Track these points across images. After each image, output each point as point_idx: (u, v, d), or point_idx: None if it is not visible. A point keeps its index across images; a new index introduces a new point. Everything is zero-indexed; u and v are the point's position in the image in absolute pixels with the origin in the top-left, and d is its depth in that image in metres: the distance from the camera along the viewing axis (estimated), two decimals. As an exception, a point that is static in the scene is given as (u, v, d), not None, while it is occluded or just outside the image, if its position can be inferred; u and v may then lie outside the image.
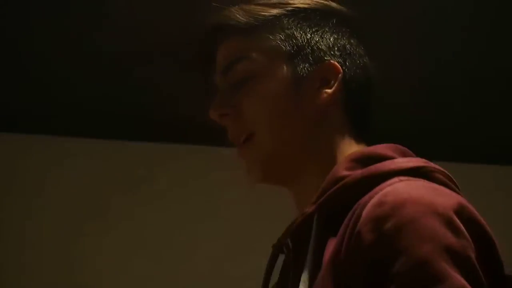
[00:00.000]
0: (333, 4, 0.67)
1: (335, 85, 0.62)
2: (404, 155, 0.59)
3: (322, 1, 0.66)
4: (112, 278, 2.15)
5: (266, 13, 0.64)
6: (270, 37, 0.63)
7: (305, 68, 0.62)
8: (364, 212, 0.49)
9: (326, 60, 0.62)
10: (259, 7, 0.65)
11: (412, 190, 0.50)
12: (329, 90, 0.61)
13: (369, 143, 0.63)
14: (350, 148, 0.62)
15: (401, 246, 0.45)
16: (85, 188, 2.22)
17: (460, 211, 0.48)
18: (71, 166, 2.26)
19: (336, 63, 0.62)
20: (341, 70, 0.62)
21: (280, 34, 0.63)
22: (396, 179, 0.52)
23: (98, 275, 2.13)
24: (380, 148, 0.59)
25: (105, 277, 2.14)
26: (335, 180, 0.56)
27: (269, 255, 0.63)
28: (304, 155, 0.63)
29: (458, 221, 0.47)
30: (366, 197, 0.51)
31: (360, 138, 0.64)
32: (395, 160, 0.56)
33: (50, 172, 2.24)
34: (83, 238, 2.15)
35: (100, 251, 2.15)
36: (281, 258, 0.62)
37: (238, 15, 0.63)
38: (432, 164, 0.57)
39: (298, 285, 0.53)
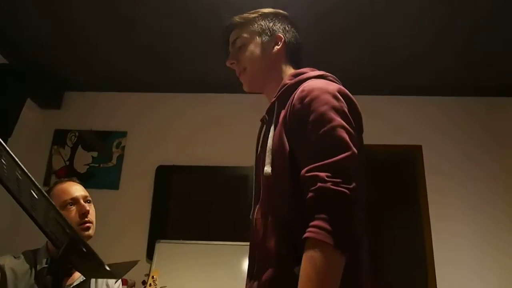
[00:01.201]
0: (280, 11, 1.41)
1: (281, 44, 1.35)
2: (313, 71, 1.27)
3: (274, 9, 1.41)
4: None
5: (249, 16, 1.39)
6: (251, 27, 1.38)
7: (266, 38, 1.36)
8: (296, 94, 1.14)
9: (277, 33, 1.36)
10: (245, 14, 1.39)
11: (316, 83, 1.15)
12: (278, 47, 1.35)
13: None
14: (290, 72, 1.30)
15: (313, 108, 1.08)
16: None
17: (339, 91, 1.13)
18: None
19: (281, 34, 1.36)
20: (283, 37, 1.36)
21: (255, 24, 1.38)
22: (309, 80, 1.19)
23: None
24: (304, 69, 1.28)
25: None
26: (283, 84, 1.26)
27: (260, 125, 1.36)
28: (268, 77, 1.34)
29: (338, 95, 1.11)
30: (296, 90, 1.17)
31: (297, 68, 1.32)
32: (309, 73, 1.25)
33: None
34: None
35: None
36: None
37: (236, 19, 1.40)
38: (327, 73, 1.25)
39: (269, 134, 1.19)
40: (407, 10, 2.89)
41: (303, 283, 0.92)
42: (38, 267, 1.64)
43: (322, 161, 0.99)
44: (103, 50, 3.45)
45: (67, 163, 3.80)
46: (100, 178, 3.75)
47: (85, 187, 1.87)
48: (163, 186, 3.73)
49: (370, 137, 3.40)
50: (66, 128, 3.92)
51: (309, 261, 0.92)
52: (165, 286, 2.95)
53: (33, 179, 0.85)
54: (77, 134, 3.90)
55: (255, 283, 1.11)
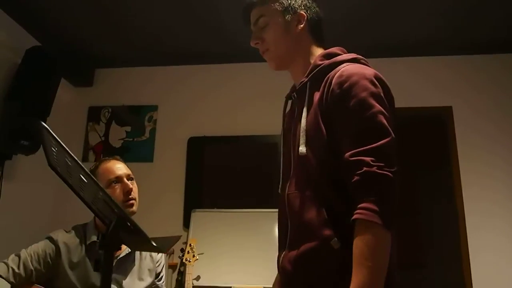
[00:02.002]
0: None
1: (304, 22, 1.36)
2: (345, 52, 1.32)
3: None
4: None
5: None
6: (272, 4, 1.37)
7: (289, 17, 1.35)
8: (334, 79, 1.17)
9: (298, 11, 1.36)
10: None
11: (353, 68, 1.18)
12: (301, 25, 1.35)
13: (324, 47, 1.38)
14: (316, 50, 1.37)
15: (353, 93, 1.13)
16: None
17: (376, 76, 1.18)
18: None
19: (303, 12, 1.36)
20: (305, 15, 1.36)
21: (276, 2, 1.37)
22: (345, 64, 1.23)
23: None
24: (334, 49, 1.33)
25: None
26: (316, 66, 1.29)
27: (284, 101, 1.45)
28: (293, 55, 1.36)
29: (375, 80, 1.15)
30: (332, 73, 1.21)
31: (320, 45, 1.39)
32: (343, 55, 1.29)
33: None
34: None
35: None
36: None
37: None
38: (360, 56, 1.28)
39: (302, 114, 1.24)
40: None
41: (359, 260, 1.01)
42: (88, 241, 1.77)
43: (366, 146, 1.06)
44: (129, 24, 3.48)
45: (103, 138, 3.95)
46: (134, 152, 3.89)
47: (121, 159, 1.96)
48: (196, 157, 3.84)
49: (401, 100, 3.44)
50: (99, 105, 4.05)
51: (361, 240, 1.01)
52: (203, 253, 3.10)
53: (81, 164, 0.93)
54: (110, 110, 4.03)
55: (292, 252, 1.18)
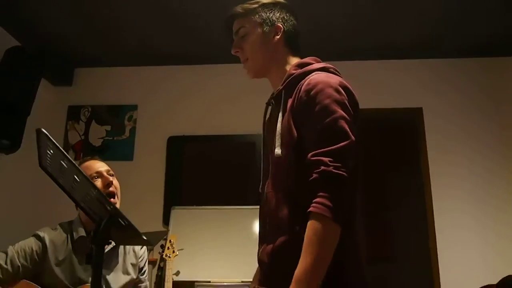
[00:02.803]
0: (279, 0, 1.52)
1: (280, 34, 1.47)
2: (317, 62, 1.43)
3: None
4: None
5: (250, 7, 1.50)
6: (252, 17, 1.48)
7: (267, 28, 1.47)
8: (303, 87, 1.31)
9: (276, 24, 1.47)
10: (246, 4, 1.50)
11: (320, 77, 1.31)
12: (277, 37, 1.47)
13: (300, 57, 1.48)
14: (291, 59, 1.48)
15: (318, 100, 1.25)
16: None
17: (340, 84, 1.29)
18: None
19: (280, 24, 1.47)
20: (282, 27, 1.47)
21: (256, 15, 1.48)
22: (314, 73, 1.35)
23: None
24: (307, 59, 1.44)
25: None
26: (290, 75, 1.40)
27: (264, 106, 1.54)
28: (270, 64, 1.48)
29: (339, 87, 1.28)
30: (303, 81, 1.33)
31: (296, 55, 1.49)
32: (314, 65, 1.40)
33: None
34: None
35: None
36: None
37: (238, 9, 1.51)
38: (329, 65, 1.40)
39: (278, 119, 1.36)
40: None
41: (306, 246, 1.14)
42: (75, 236, 1.84)
43: (325, 147, 1.18)
44: (112, 24, 3.54)
45: (83, 137, 3.99)
46: (114, 151, 3.95)
47: (101, 159, 2.04)
48: (175, 156, 3.92)
49: (373, 101, 3.60)
50: (79, 104, 4.09)
51: (311, 229, 1.14)
52: (182, 249, 3.19)
53: (79, 167, 1.02)
54: (90, 109, 4.07)
55: (269, 246, 1.30)
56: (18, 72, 3.18)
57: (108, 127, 4.02)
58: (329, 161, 1.15)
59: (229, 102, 4.02)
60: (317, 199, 1.14)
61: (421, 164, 3.79)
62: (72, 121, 4.05)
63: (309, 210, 1.15)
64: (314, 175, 1.16)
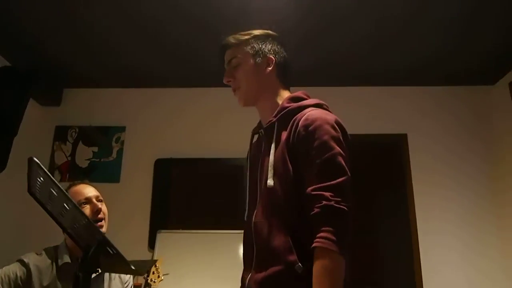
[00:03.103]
0: (270, 32, 1.58)
1: (272, 66, 1.52)
2: (308, 96, 1.50)
3: (265, 31, 1.57)
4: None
5: (242, 38, 1.54)
6: (244, 48, 1.53)
7: (259, 60, 1.51)
8: (300, 122, 1.35)
9: (268, 55, 1.52)
10: (238, 35, 1.55)
11: (317, 113, 1.36)
12: (269, 68, 1.51)
13: (289, 89, 1.56)
14: (282, 92, 1.53)
15: (316, 136, 1.30)
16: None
17: (336, 122, 1.35)
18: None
19: (272, 56, 1.52)
20: (274, 59, 1.52)
21: (248, 46, 1.53)
22: (310, 108, 1.40)
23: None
24: (299, 93, 1.50)
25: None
26: (284, 108, 1.44)
27: (250, 135, 1.62)
28: (261, 94, 1.51)
29: (335, 125, 1.33)
30: (298, 115, 1.38)
31: (286, 87, 1.55)
32: (307, 100, 1.47)
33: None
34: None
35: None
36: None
37: (231, 40, 1.55)
38: (322, 101, 1.46)
39: (269, 151, 1.39)
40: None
41: (318, 280, 1.17)
42: (60, 262, 1.82)
43: (326, 182, 1.22)
44: (101, 47, 3.56)
45: (69, 158, 3.97)
46: (101, 172, 3.92)
47: (87, 180, 2.05)
48: (162, 178, 3.91)
49: (357, 127, 3.66)
50: (66, 125, 4.08)
51: (320, 265, 1.17)
52: (168, 274, 3.15)
53: (68, 195, 1.02)
54: (77, 130, 4.06)
55: (259, 274, 1.31)
56: (6, 92, 3.17)
57: (95, 148, 4.01)
58: (330, 195, 1.20)
59: (217, 125, 4.05)
60: (321, 234, 1.18)
61: (406, 187, 3.85)
62: (59, 141, 4.02)
63: (314, 245, 1.18)
64: (316, 209, 1.20)
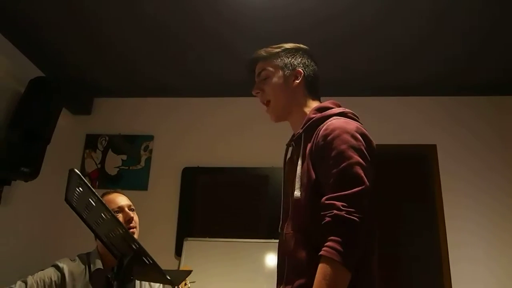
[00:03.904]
0: (301, 45, 1.61)
1: (301, 78, 1.54)
2: (337, 105, 1.49)
3: (296, 44, 1.60)
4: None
5: (273, 50, 1.58)
6: (274, 60, 1.56)
7: (288, 72, 1.54)
8: (321, 132, 1.34)
9: (297, 68, 1.55)
10: (269, 48, 1.59)
11: (338, 123, 1.34)
12: (297, 81, 1.53)
13: (319, 100, 1.56)
14: (311, 103, 1.53)
15: (334, 145, 1.28)
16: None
17: (357, 130, 1.32)
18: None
19: (301, 69, 1.55)
20: (303, 72, 1.54)
21: (278, 59, 1.56)
22: (332, 118, 1.39)
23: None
24: (327, 103, 1.49)
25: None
26: (309, 119, 1.45)
27: (285, 148, 1.59)
28: (290, 106, 1.53)
29: (356, 134, 1.31)
30: (321, 126, 1.37)
31: (315, 98, 1.56)
32: (333, 109, 1.45)
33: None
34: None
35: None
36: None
37: (262, 52, 1.59)
38: (347, 110, 1.45)
39: (298, 162, 1.41)
40: (410, 6, 3.02)
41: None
42: (92, 268, 1.87)
43: (339, 192, 1.20)
44: (129, 58, 3.65)
45: (99, 166, 4.05)
46: (129, 180, 3.99)
47: (116, 187, 2.10)
48: (189, 187, 3.95)
49: (386, 137, 3.63)
50: (96, 133, 4.17)
51: (320, 273, 1.16)
52: (194, 281, 3.17)
53: (106, 205, 1.05)
54: (107, 138, 4.15)
55: (288, 287, 1.31)
56: (40, 101, 3.27)
57: (124, 157, 4.08)
58: (342, 205, 1.17)
59: (242, 135, 4.08)
60: (328, 243, 1.16)
61: (436, 198, 3.78)
62: (89, 149, 4.12)
63: (319, 253, 1.17)
64: (327, 219, 1.19)
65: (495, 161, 3.84)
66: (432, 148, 3.92)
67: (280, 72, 1.53)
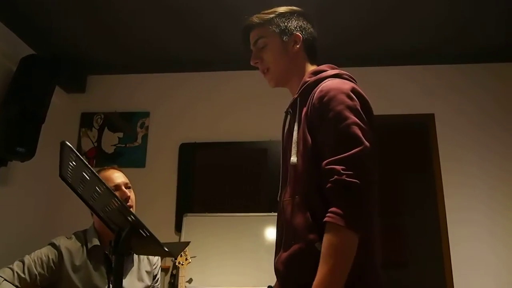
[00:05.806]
0: (295, 8, 1.53)
1: (299, 43, 1.48)
2: (332, 68, 1.43)
3: (290, 7, 1.52)
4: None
5: (266, 16, 1.50)
6: (270, 27, 1.48)
7: (286, 38, 1.47)
8: (315, 94, 1.31)
9: (294, 32, 1.48)
10: (262, 14, 1.51)
11: (332, 84, 1.31)
12: (297, 46, 1.48)
13: (318, 64, 1.49)
14: (309, 68, 1.48)
15: (330, 107, 1.25)
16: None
17: (353, 90, 1.29)
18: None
19: (298, 33, 1.48)
20: (301, 36, 1.48)
21: (274, 24, 1.48)
22: (327, 80, 1.35)
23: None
24: (323, 67, 1.45)
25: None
26: (304, 82, 1.41)
27: (283, 116, 1.53)
28: (290, 73, 1.49)
29: (352, 94, 1.27)
30: (316, 88, 1.34)
31: (313, 62, 1.51)
32: (327, 71, 1.40)
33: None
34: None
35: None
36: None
37: (254, 19, 1.51)
38: (343, 71, 1.40)
39: (294, 127, 1.37)
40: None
41: (323, 257, 1.13)
42: (89, 245, 1.86)
43: (338, 155, 1.17)
44: (122, 32, 3.56)
45: (95, 144, 4.02)
46: (127, 157, 3.97)
47: (119, 169, 2.06)
48: (187, 163, 3.93)
49: (384, 108, 3.59)
50: (92, 111, 4.12)
51: (327, 240, 1.14)
52: (195, 256, 3.19)
53: (101, 179, 1.03)
54: (102, 116, 4.10)
55: (283, 254, 1.30)
56: (33, 80, 3.21)
57: (121, 134, 4.05)
58: (342, 169, 1.14)
59: (240, 109, 4.04)
60: (332, 209, 1.14)
61: (434, 167, 3.78)
62: (85, 128, 4.08)
63: (324, 220, 1.15)
64: (328, 185, 1.16)
65: (494, 127, 3.82)
66: (430, 117, 3.90)
67: (278, 38, 1.47)
